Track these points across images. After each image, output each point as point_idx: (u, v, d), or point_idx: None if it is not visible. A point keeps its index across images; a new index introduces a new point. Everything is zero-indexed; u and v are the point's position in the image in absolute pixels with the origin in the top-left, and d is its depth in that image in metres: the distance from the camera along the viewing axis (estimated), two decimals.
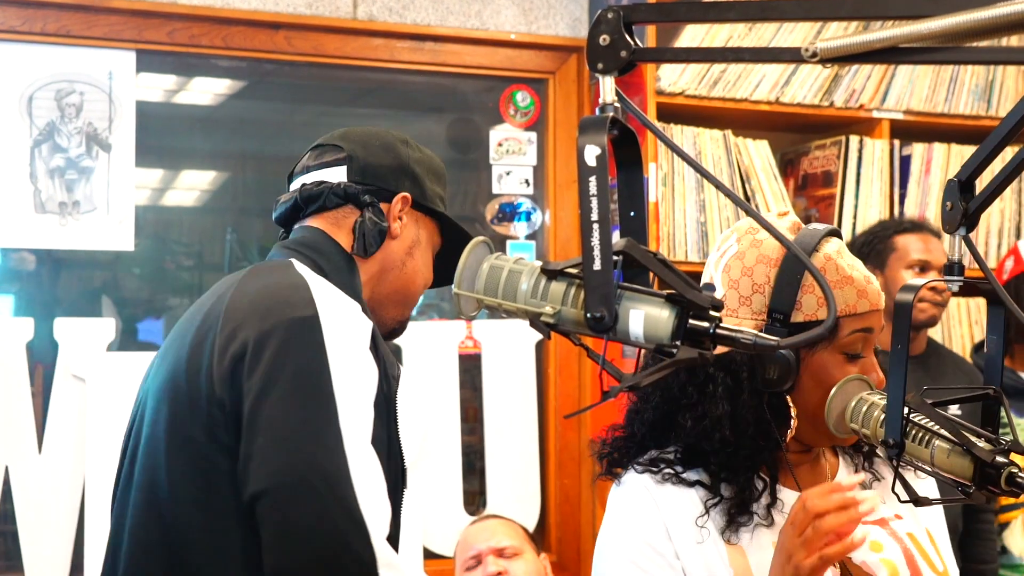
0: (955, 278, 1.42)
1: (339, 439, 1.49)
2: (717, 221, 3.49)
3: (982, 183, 1.39)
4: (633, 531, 1.65)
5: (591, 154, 1.01)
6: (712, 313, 1.05)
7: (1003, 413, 1.46)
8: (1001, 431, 1.46)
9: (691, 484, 1.64)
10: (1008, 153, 1.39)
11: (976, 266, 1.48)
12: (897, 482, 1.50)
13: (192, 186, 3.69)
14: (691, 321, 1.05)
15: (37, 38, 3.31)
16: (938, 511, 1.77)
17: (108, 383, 3.20)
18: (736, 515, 1.61)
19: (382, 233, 1.82)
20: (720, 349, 1.09)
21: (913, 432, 1.45)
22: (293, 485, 1.47)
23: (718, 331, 1.05)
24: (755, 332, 1.07)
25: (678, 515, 1.63)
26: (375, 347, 1.63)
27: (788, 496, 1.64)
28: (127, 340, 3.41)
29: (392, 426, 1.69)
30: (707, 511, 1.61)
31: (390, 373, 1.69)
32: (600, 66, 1.07)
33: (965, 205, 1.36)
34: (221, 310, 1.62)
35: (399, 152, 1.88)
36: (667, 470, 1.66)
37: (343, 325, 1.58)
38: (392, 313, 1.89)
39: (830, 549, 1.44)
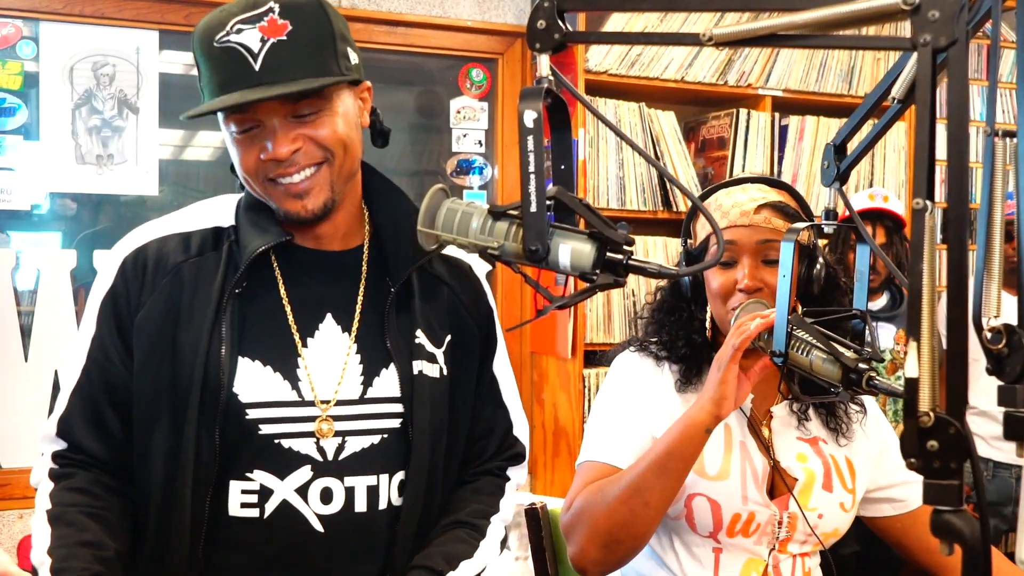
0: (831, 222, 1.43)
1: None
2: (632, 176, 3.49)
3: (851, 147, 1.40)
4: (619, 386, 1.76)
5: (529, 117, 1.00)
6: (625, 248, 1.04)
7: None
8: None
9: (662, 359, 1.76)
10: (870, 125, 1.39)
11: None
12: (783, 381, 1.54)
13: (207, 144, 3.63)
14: (608, 254, 1.04)
15: (77, 19, 3.24)
16: (867, 453, 1.77)
17: None
18: (686, 375, 1.73)
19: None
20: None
21: (795, 344, 1.47)
22: None
23: (630, 262, 1.05)
24: (660, 264, 1.07)
25: (651, 378, 1.75)
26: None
27: None
28: None
29: None
30: (672, 375, 1.75)
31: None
32: (537, 46, 1.05)
33: (838, 164, 1.37)
34: None
35: None
36: (651, 349, 1.78)
37: None
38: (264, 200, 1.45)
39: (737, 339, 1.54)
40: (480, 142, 3.80)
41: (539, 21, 1.05)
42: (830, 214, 1.43)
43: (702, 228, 1.77)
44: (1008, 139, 0.92)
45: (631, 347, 1.81)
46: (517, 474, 1.63)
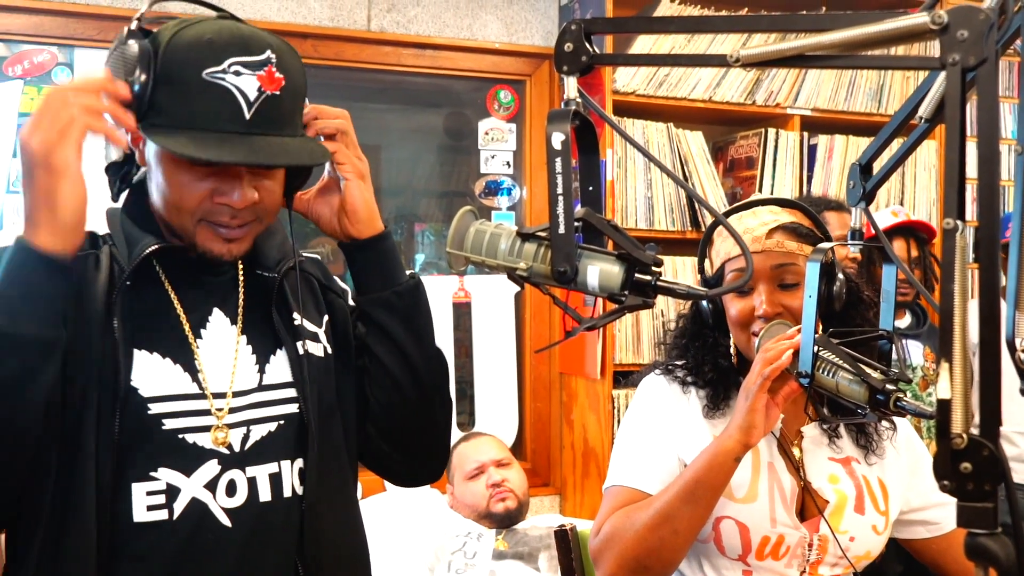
0: (858, 242, 1.42)
1: None
2: (661, 196, 3.49)
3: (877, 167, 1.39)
4: (646, 410, 1.76)
5: (557, 140, 1.00)
6: (654, 269, 1.04)
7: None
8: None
9: (689, 384, 1.75)
10: (896, 144, 1.38)
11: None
12: (808, 403, 1.53)
13: None
14: (637, 275, 1.04)
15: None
16: (900, 473, 1.75)
17: None
18: (714, 401, 1.72)
19: (116, 168, 1.48)
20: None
21: (821, 365, 1.46)
22: None
23: (658, 283, 1.05)
24: (688, 285, 1.07)
25: (678, 403, 1.74)
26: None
27: None
28: None
29: None
30: (700, 400, 1.74)
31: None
32: (565, 68, 1.06)
33: (864, 184, 1.36)
34: None
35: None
36: (677, 374, 1.77)
37: None
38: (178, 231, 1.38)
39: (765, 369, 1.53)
40: (508, 163, 3.81)
41: (567, 43, 1.05)
42: (856, 234, 1.42)
43: (716, 255, 1.76)
44: None
45: (657, 370, 1.80)
46: None
